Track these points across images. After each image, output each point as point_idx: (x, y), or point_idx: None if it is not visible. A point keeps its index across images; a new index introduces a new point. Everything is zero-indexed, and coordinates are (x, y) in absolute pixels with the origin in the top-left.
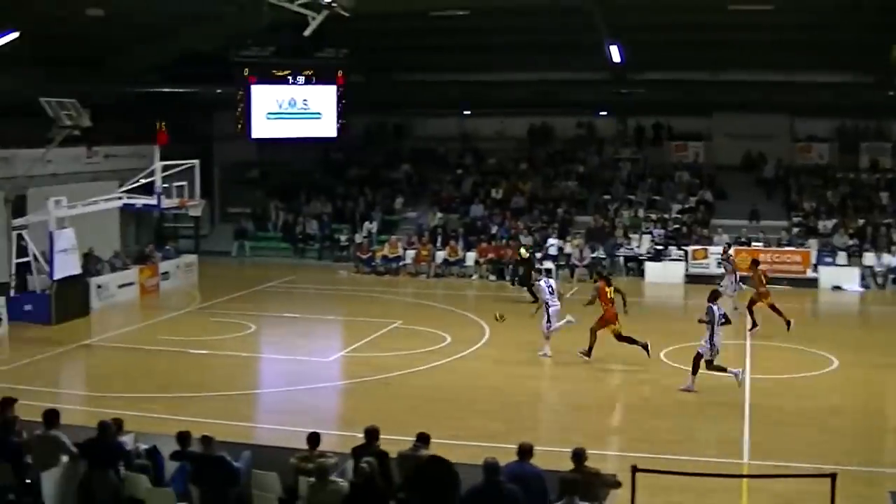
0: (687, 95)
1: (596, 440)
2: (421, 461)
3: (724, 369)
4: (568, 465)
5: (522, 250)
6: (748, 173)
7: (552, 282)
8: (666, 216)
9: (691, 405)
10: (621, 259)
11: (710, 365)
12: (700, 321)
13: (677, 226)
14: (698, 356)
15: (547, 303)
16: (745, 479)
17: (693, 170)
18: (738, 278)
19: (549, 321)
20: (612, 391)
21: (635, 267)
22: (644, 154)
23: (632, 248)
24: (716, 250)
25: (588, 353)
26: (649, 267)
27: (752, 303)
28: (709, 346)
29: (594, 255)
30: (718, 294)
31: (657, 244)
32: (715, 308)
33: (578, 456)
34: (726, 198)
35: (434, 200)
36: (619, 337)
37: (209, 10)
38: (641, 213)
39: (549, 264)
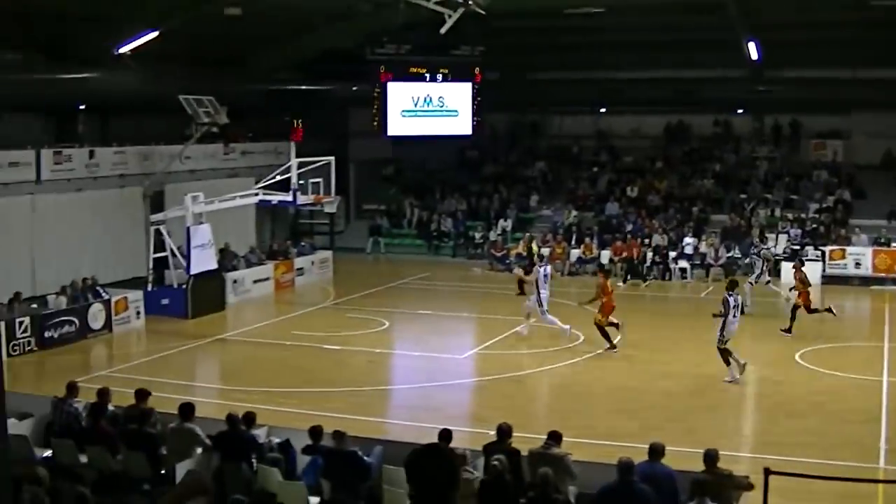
0: (825, 93)
1: (728, 441)
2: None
3: (730, 357)
4: (699, 467)
5: (534, 245)
6: (888, 172)
7: (549, 269)
8: (803, 216)
9: (826, 408)
10: (764, 258)
11: (721, 353)
12: (714, 315)
13: (814, 225)
14: (721, 350)
15: (539, 289)
16: (881, 485)
17: (831, 169)
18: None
19: (541, 305)
20: (747, 393)
21: (771, 267)
22: (781, 152)
23: (768, 248)
24: (854, 251)
25: (612, 345)
26: (785, 267)
27: (795, 307)
28: (720, 334)
29: (729, 254)
30: (736, 283)
31: (794, 244)
32: (731, 298)
33: (711, 457)
34: (865, 197)
35: (569, 198)
36: (599, 327)
37: (346, 8)
38: (778, 212)
39: (683, 263)
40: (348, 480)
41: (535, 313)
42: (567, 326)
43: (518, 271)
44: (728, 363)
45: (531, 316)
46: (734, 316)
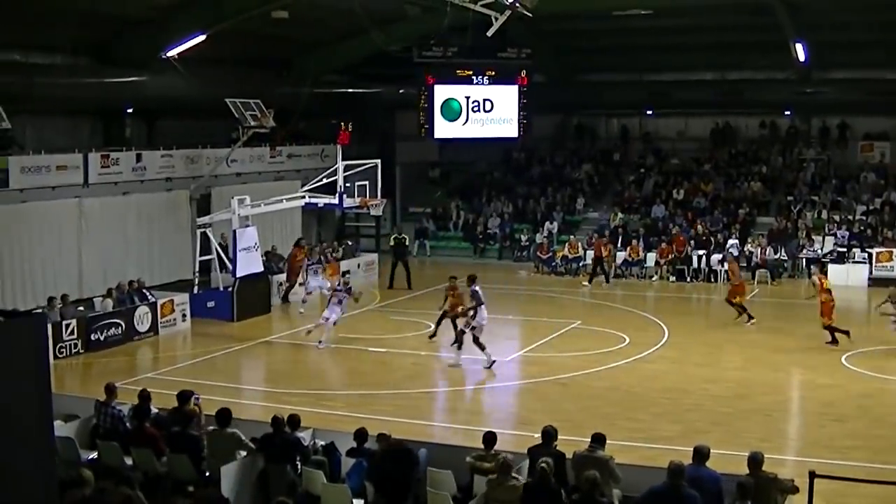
0: (873, 95)
1: (773, 444)
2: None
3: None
4: (744, 470)
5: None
6: None
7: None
8: (850, 217)
9: (872, 411)
10: (803, 261)
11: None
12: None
13: (861, 227)
14: None
15: None
16: None
17: (879, 170)
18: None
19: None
20: (792, 396)
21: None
22: (828, 154)
23: (814, 250)
24: None
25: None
26: (832, 269)
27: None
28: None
29: (776, 256)
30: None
31: (840, 246)
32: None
33: (755, 460)
34: None
35: (615, 201)
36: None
37: (392, 11)
38: (825, 214)
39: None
40: (396, 477)
41: None
42: None
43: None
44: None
45: None
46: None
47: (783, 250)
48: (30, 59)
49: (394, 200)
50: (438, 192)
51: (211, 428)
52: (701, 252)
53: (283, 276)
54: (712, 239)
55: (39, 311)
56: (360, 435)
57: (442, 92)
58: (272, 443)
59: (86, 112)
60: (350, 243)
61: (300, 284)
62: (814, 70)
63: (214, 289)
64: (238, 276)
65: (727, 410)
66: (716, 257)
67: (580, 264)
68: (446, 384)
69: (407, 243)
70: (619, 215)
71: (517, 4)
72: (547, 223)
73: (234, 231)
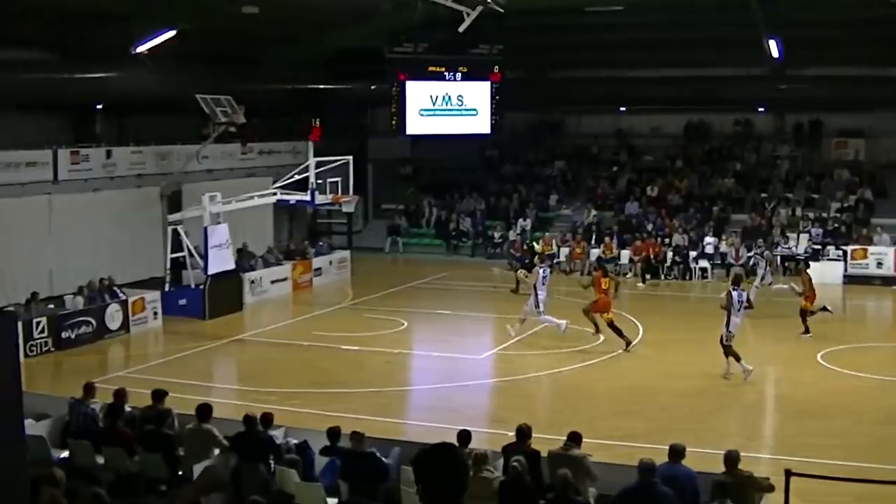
0: (847, 92)
1: (749, 443)
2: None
3: (738, 358)
4: (720, 468)
5: (536, 245)
6: None
7: (548, 272)
8: (824, 215)
9: (848, 408)
10: (778, 258)
11: (726, 349)
12: (721, 307)
13: (836, 225)
14: (725, 347)
15: (537, 290)
16: None
17: (853, 167)
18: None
19: (538, 306)
20: (768, 394)
21: (792, 267)
22: (802, 151)
23: (789, 248)
24: (876, 250)
25: (597, 331)
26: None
27: (803, 311)
28: (725, 330)
29: (750, 254)
30: (741, 278)
31: (815, 243)
32: (735, 293)
33: (731, 459)
34: (887, 196)
35: (588, 198)
36: (611, 325)
37: (364, 6)
38: (799, 211)
39: (704, 263)
40: (366, 482)
41: (533, 314)
42: (563, 322)
43: (521, 273)
44: (737, 358)
45: (525, 320)
46: (738, 311)
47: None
48: None
49: (366, 197)
50: (410, 188)
51: (189, 426)
52: (672, 253)
53: (254, 274)
54: (687, 236)
55: (10, 308)
56: (333, 433)
57: (414, 88)
58: (245, 441)
59: (55, 108)
60: (322, 244)
61: None
62: (787, 66)
63: (186, 286)
64: (209, 273)
65: (703, 408)
66: (691, 254)
67: (554, 261)
68: (420, 382)
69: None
70: (593, 212)
71: (489, 0)
72: (520, 220)
73: (206, 228)
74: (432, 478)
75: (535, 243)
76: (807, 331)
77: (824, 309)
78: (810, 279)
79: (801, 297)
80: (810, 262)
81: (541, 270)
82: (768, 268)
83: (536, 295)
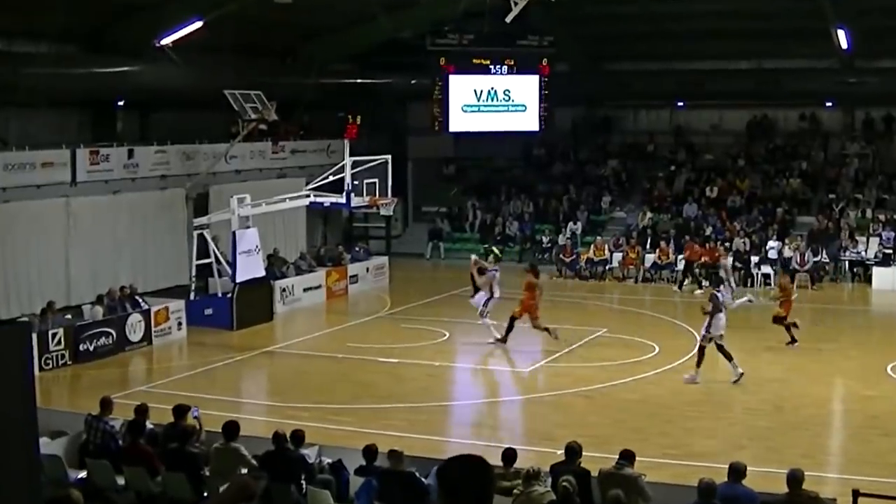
0: None
1: (814, 461)
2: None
3: (730, 357)
4: (783, 488)
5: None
6: None
7: (497, 275)
8: None
9: None
10: (846, 263)
11: (700, 351)
12: (705, 312)
13: None
14: (701, 348)
15: (493, 293)
16: None
17: None
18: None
19: (486, 306)
20: (834, 409)
21: (861, 272)
22: (873, 149)
23: (858, 252)
24: None
25: (504, 339)
26: (877, 272)
27: (776, 318)
28: (705, 331)
29: (816, 258)
30: (721, 280)
31: (886, 248)
32: (719, 295)
33: (795, 478)
34: None
35: (644, 199)
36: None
37: None
38: (869, 213)
39: (767, 269)
40: (405, 503)
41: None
42: (495, 337)
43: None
44: (699, 363)
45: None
46: (724, 310)
47: (824, 252)
48: (13, 48)
49: (405, 199)
50: (453, 190)
51: (216, 445)
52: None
53: (286, 281)
54: (748, 240)
55: (25, 319)
56: (370, 452)
57: (457, 82)
58: (275, 460)
59: (74, 105)
60: (359, 249)
61: None
62: (857, 58)
63: (212, 295)
64: (238, 281)
65: (765, 424)
66: (753, 259)
67: (606, 267)
68: (463, 397)
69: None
70: (648, 215)
71: None
72: (570, 224)
73: (234, 233)
74: (454, 489)
75: (494, 248)
76: (792, 340)
77: (795, 326)
78: (790, 286)
79: (776, 304)
80: (794, 268)
81: (496, 273)
82: (730, 278)
83: (490, 297)
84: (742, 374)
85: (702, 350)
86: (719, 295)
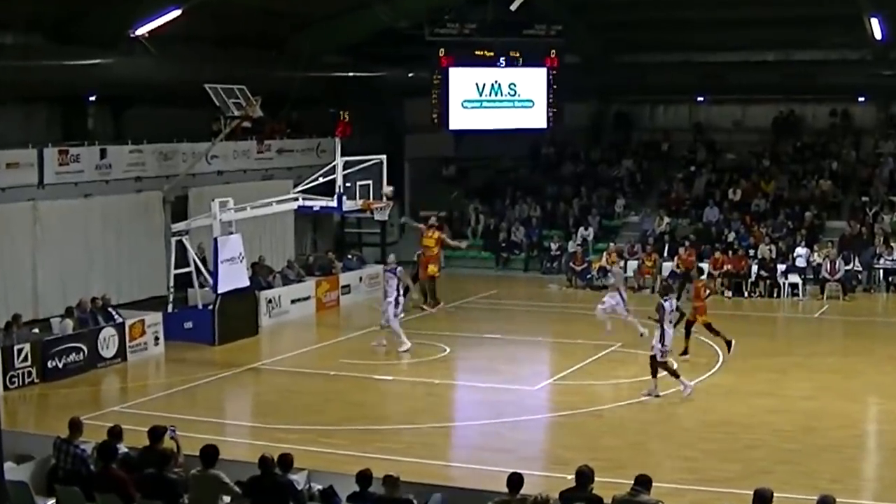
0: None
1: (848, 486)
2: None
3: (676, 375)
4: None
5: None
6: None
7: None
8: None
9: None
10: (880, 272)
11: (662, 365)
12: (650, 318)
13: None
14: (654, 357)
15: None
16: None
17: None
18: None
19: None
20: (869, 429)
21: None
22: None
23: (894, 260)
24: None
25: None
26: None
27: (689, 323)
28: (659, 343)
29: (848, 267)
30: (671, 288)
31: None
32: (666, 304)
33: None
34: None
35: (661, 203)
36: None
37: None
38: None
39: (794, 278)
40: None
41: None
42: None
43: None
44: (655, 375)
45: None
46: (670, 323)
47: (857, 260)
48: None
49: (402, 202)
50: (454, 192)
51: (193, 472)
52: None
53: (272, 292)
54: (775, 247)
55: None
56: (364, 477)
57: (458, 75)
58: (261, 487)
59: (41, 100)
60: (352, 257)
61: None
62: (892, 49)
63: (192, 307)
64: (220, 291)
65: (793, 447)
66: (779, 268)
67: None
68: (465, 417)
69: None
70: (666, 220)
71: None
72: (581, 229)
73: (216, 239)
74: None
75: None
76: (728, 346)
77: (729, 343)
78: (704, 290)
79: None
80: (704, 270)
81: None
82: (622, 292)
83: (396, 303)
84: (657, 395)
85: (662, 366)
86: (667, 304)
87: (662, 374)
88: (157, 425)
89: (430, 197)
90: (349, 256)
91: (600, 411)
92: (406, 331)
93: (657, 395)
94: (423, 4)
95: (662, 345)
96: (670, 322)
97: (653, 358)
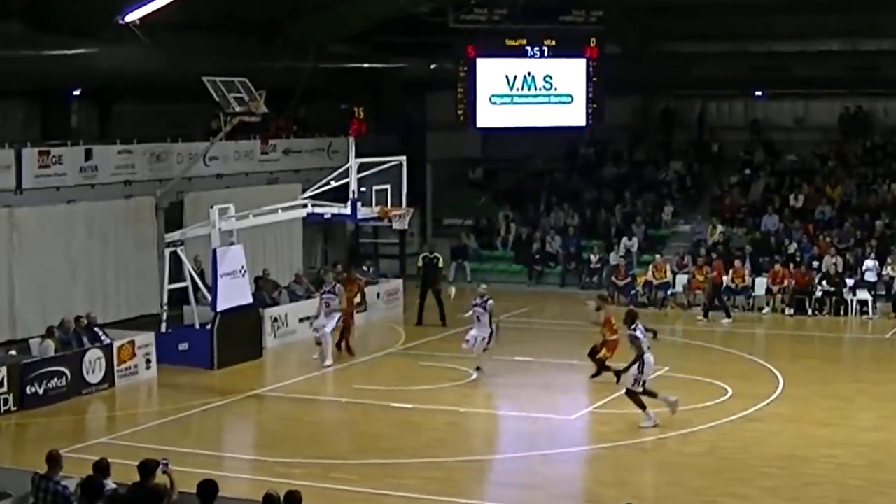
0: None
1: None
2: None
3: (643, 406)
4: None
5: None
6: None
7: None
8: None
9: None
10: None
11: (632, 395)
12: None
13: None
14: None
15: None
16: None
17: None
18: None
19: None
20: None
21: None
22: None
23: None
24: None
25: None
26: None
27: (594, 351)
28: (637, 371)
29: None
30: (636, 314)
31: None
32: (638, 332)
33: None
34: None
35: (713, 210)
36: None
37: None
38: None
39: (863, 294)
40: None
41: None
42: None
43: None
44: (644, 406)
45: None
46: (647, 349)
47: None
48: None
49: (423, 210)
50: (482, 198)
51: None
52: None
53: (278, 310)
54: (841, 259)
55: None
56: None
57: (486, 67)
58: None
59: (19, 95)
60: (367, 270)
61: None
62: None
63: (189, 326)
64: (219, 309)
65: (858, 483)
66: (847, 283)
67: (668, 292)
68: (491, 450)
69: (440, 265)
70: (719, 228)
71: None
72: (624, 239)
73: (215, 251)
74: None
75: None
76: (597, 373)
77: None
78: (610, 321)
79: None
80: (607, 296)
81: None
82: (495, 327)
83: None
84: (656, 424)
85: (631, 395)
86: (639, 333)
87: (652, 399)
88: (149, 459)
89: (454, 203)
90: (364, 269)
91: (643, 444)
92: (427, 352)
93: (656, 425)
94: None
95: (640, 372)
96: (649, 348)
97: (631, 393)
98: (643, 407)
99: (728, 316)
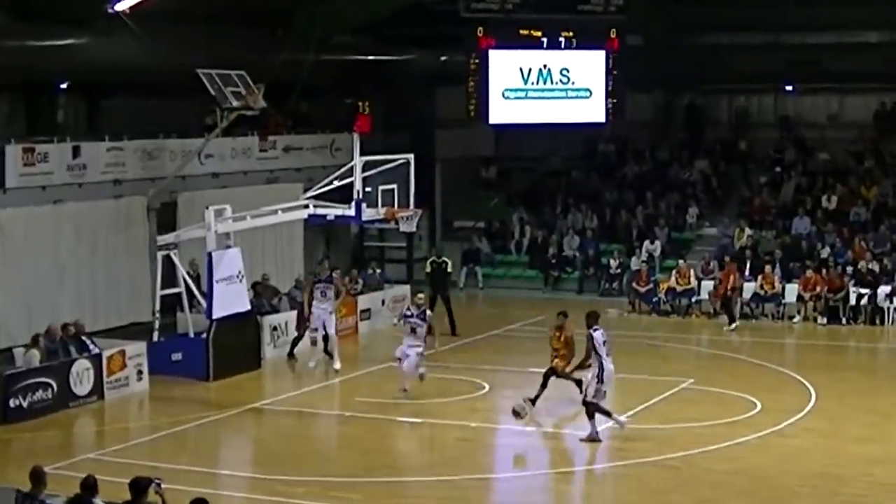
0: None
1: None
2: None
3: (608, 414)
4: None
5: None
6: None
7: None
8: None
9: None
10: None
11: (591, 406)
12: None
13: None
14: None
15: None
16: None
17: None
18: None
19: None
20: None
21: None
22: None
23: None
24: None
25: None
26: None
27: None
28: (597, 382)
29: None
30: (598, 316)
31: None
32: (597, 334)
33: None
34: None
35: (741, 212)
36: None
37: None
38: None
39: None
40: None
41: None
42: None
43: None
44: (607, 414)
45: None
46: (608, 355)
47: None
48: None
49: (432, 211)
50: (495, 199)
51: None
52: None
53: (278, 317)
54: (878, 264)
55: None
56: None
57: (499, 59)
58: None
59: (2, 88)
60: (372, 274)
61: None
62: None
63: (182, 335)
64: (215, 317)
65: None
66: (883, 290)
67: (693, 300)
68: (506, 468)
69: (450, 270)
70: (747, 231)
71: None
72: (646, 243)
73: (210, 254)
74: None
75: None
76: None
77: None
78: (568, 337)
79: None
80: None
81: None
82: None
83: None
84: (598, 441)
85: (590, 405)
86: (597, 335)
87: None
88: (140, 476)
89: (465, 204)
90: (369, 274)
91: (669, 460)
92: (438, 364)
93: (595, 440)
94: None
95: (601, 381)
96: (608, 355)
97: (586, 403)
98: (605, 414)
99: (731, 322)
